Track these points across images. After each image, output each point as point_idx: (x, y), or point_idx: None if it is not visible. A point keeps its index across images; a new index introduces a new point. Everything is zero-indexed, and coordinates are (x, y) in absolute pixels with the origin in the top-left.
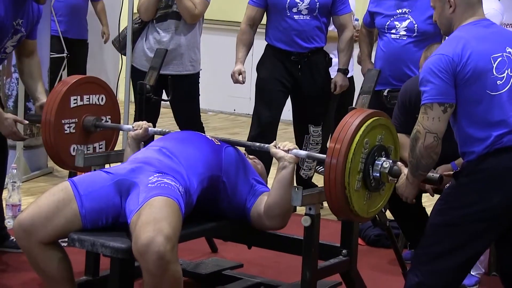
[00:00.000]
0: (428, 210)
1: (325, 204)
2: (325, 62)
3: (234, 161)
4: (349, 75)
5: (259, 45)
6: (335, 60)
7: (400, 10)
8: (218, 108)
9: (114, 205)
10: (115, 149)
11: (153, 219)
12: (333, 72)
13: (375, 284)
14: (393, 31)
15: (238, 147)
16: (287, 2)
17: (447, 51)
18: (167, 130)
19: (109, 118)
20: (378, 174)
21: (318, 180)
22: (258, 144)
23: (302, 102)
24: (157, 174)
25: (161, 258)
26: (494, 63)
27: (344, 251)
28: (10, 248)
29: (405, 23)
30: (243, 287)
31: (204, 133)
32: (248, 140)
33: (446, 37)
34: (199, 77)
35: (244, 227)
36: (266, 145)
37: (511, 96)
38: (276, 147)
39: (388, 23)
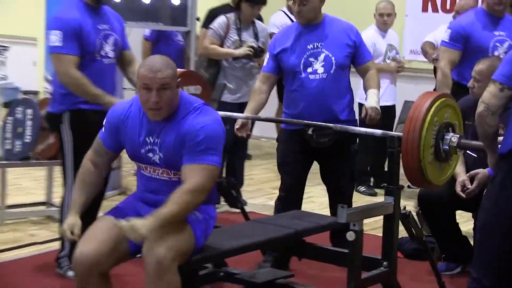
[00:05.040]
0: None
1: (367, 220)
2: None
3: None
4: None
5: None
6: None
7: (311, 46)
8: None
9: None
10: None
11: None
12: None
13: None
14: (310, 69)
15: None
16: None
17: None
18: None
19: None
20: (447, 147)
21: (359, 198)
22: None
23: None
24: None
25: (159, 263)
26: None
27: (385, 263)
28: None
29: (321, 57)
30: None
31: None
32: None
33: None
34: None
35: (296, 242)
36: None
37: None
38: None
39: (302, 61)
